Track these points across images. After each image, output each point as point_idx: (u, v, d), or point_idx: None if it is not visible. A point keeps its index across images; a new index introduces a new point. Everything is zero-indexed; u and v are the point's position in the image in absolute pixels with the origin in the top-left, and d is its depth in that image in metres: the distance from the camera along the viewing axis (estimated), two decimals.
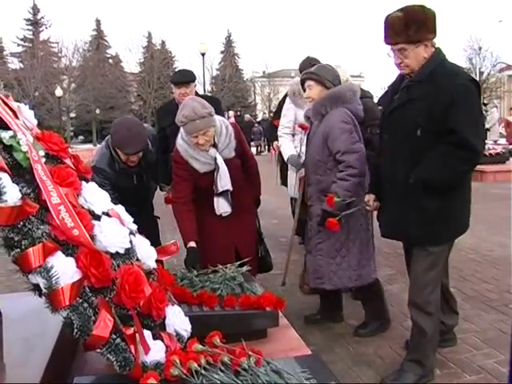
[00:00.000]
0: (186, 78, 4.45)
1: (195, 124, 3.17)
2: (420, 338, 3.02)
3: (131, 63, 50.44)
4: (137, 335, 1.63)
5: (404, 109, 2.87)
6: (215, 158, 3.34)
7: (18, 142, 1.67)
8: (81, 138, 53.40)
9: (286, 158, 5.16)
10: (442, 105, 2.70)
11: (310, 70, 3.72)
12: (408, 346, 3.33)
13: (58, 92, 38.58)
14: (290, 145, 5.15)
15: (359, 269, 3.54)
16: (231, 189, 3.41)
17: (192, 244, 3.25)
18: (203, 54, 28.69)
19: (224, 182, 3.37)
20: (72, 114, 48.91)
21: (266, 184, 4.07)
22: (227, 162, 3.38)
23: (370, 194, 3.32)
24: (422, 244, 2.94)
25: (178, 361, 1.62)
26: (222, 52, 57.16)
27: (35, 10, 53.08)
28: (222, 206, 3.45)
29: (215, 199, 3.42)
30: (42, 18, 53.47)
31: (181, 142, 3.39)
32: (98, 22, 56.08)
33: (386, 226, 3.14)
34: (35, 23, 52.87)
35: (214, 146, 3.35)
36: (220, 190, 3.38)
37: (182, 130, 3.36)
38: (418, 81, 2.83)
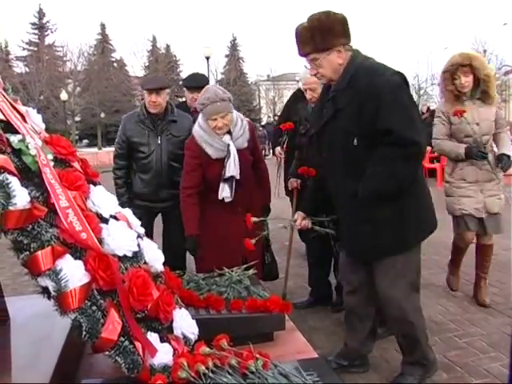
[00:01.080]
0: (198, 83, 4.50)
1: (216, 106, 3.35)
2: (411, 342, 2.96)
3: (136, 67, 50.64)
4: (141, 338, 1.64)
5: (334, 121, 2.75)
6: (228, 145, 3.44)
7: (27, 146, 1.68)
8: (85, 141, 53.55)
9: None
10: (369, 107, 2.57)
11: None
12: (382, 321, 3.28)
13: (63, 96, 38.67)
14: None
15: None
16: (238, 177, 3.48)
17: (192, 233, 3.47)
18: (208, 58, 28.71)
19: (232, 168, 3.45)
20: (77, 118, 49.05)
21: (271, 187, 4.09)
22: (239, 152, 3.48)
23: (298, 212, 3.27)
24: (379, 256, 2.81)
25: (185, 363, 1.62)
26: (226, 56, 57.24)
27: (41, 14, 53.35)
28: (225, 192, 3.50)
29: (221, 184, 3.49)
30: (48, 22, 53.76)
31: (197, 129, 3.52)
32: (102, 26, 56.33)
33: (346, 245, 3.04)
34: (41, 27, 53.13)
35: (229, 133, 3.47)
36: (227, 175, 3.45)
37: (200, 117, 3.51)
38: (341, 89, 2.71)
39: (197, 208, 3.53)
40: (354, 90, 2.64)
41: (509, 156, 4.12)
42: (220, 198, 3.51)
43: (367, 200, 2.67)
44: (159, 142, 4.20)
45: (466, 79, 4.14)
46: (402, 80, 2.67)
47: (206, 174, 3.51)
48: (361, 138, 2.63)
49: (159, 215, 4.52)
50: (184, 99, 4.80)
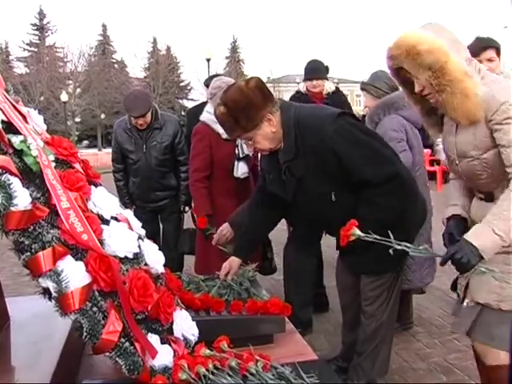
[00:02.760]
0: None
1: None
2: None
3: (136, 68, 50.72)
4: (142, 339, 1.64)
5: (301, 189, 2.61)
6: None
7: (29, 147, 1.68)
8: (85, 142, 53.57)
9: None
10: (331, 164, 2.46)
11: (364, 80, 3.89)
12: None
13: (64, 97, 38.70)
14: None
15: (410, 273, 3.60)
16: (251, 153, 3.77)
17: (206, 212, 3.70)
18: (208, 60, 28.80)
19: (245, 147, 3.72)
20: (77, 119, 49.07)
21: None
22: None
23: (233, 259, 2.83)
24: (380, 273, 2.76)
25: (185, 365, 1.63)
26: (227, 57, 57.31)
27: (41, 15, 53.54)
28: (242, 169, 3.78)
29: (235, 163, 3.75)
30: (48, 23, 53.97)
31: (206, 114, 3.83)
32: (103, 27, 56.48)
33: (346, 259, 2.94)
34: (41, 28, 53.32)
35: None
36: (242, 154, 3.75)
37: (208, 106, 3.87)
38: (292, 159, 2.55)
39: (206, 191, 3.74)
40: (306, 156, 2.50)
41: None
42: (236, 175, 3.74)
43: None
44: (144, 150, 4.50)
45: (418, 88, 2.17)
46: (345, 120, 2.53)
47: (216, 154, 3.72)
48: (337, 192, 2.55)
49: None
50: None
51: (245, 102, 2.44)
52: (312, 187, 2.58)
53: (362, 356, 2.89)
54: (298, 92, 5.16)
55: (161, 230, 4.83)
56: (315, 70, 4.80)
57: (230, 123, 2.52)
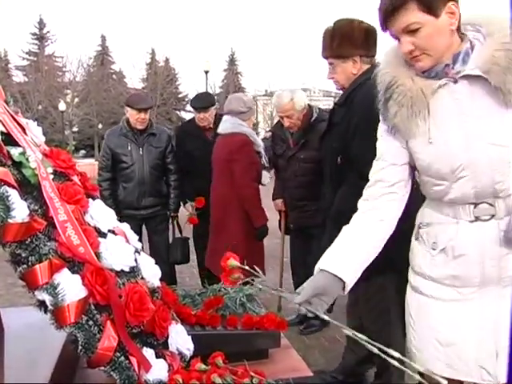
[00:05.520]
0: (205, 104, 4.71)
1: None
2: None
3: (134, 79, 50.83)
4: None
5: (328, 135, 2.76)
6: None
7: (27, 159, 1.68)
8: (82, 152, 53.49)
9: None
10: (352, 129, 2.51)
11: None
12: None
13: (62, 106, 38.70)
14: None
15: None
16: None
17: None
18: (207, 72, 28.89)
19: (265, 157, 4.19)
20: (74, 129, 49.05)
21: (268, 201, 4.15)
22: None
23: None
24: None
25: (180, 380, 1.62)
26: (224, 70, 57.53)
27: (41, 24, 53.66)
28: (265, 177, 4.06)
29: (264, 172, 4.05)
30: (48, 32, 54.05)
31: (243, 127, 3.94)
32: (103, 37, 56.64)
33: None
34: (41, 37, 53.43)
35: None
36: (266, 164, 4.20)
37: (237, 120, 3.98)
38: (339, 104, 2.71)
39: None
40: (348, 108, 2.61)
41: None
42: (264, 183, 4.02)
43: (335, 221, 2.57)
44: (141, 152, 4.63)
45: None
46: None
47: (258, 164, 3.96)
48: (344, 158, 2.58)
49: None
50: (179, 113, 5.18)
51: (347, 31, 2.64)
52: (332, 139, 2.71)
53: None
54: None
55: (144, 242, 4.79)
56: None
57: (327, 41, 2.72)
